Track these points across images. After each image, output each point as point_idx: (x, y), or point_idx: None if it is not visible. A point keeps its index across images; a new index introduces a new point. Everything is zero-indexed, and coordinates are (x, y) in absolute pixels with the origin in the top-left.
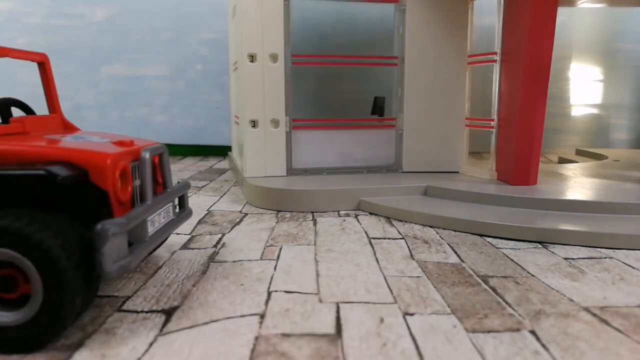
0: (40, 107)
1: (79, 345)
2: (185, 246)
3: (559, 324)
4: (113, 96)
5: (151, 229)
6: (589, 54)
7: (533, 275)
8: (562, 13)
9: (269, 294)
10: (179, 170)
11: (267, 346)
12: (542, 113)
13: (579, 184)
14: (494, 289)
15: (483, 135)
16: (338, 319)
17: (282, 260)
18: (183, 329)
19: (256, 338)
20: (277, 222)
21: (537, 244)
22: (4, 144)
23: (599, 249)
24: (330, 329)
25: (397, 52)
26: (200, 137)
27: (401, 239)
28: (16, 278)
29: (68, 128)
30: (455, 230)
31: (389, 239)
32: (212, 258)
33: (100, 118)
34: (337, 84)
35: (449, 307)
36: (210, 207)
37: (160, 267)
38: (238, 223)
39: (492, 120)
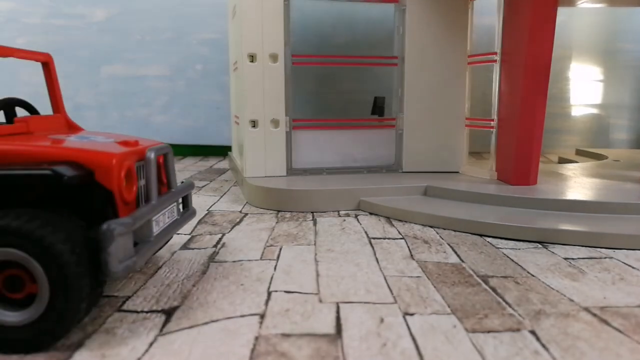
0: (42, 107)
1: (79, 345)
2: (185, 246)
3: (559, 324)
4: (113, 96)
5: (156, 229)
6: (589, 54)
7: (533, 275)
8: (562, 13)
9: (269, 294)
10: (179, 170)
11: (267, 346)
12: (542, 113)
13: (579, 184)
14: (494, 289)
15: (483, 135)
16: (338, 319)
17: (282, 260)
18: (183, 329)
19: (256, 338)
20: (277, 222)
21: (537, 244)
22: (9, 144)
23: (599, 249)
24: (330, 329)
25: (397, 52)
26: (200, 137)
27: (401, 239)
28: (22, 278)
29: (72, 128)
30: (455, 230)
31: (389, 239)
32: (212, 258)
33: (100, 118)
34: (337, 84)
35: (449, 307)
36: (210, 207)
37: (160, 267)
38: (238, 223)
39: (492, 120)
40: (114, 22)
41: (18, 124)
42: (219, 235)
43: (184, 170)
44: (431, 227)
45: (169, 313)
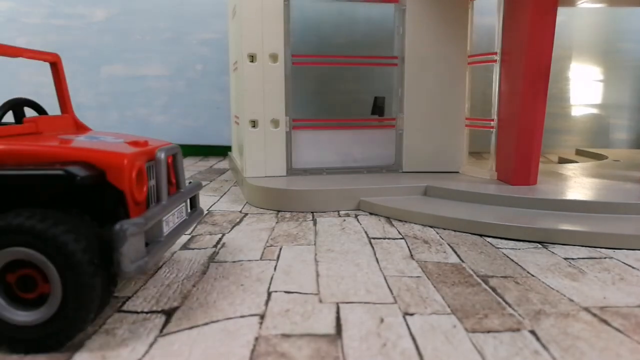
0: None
1: (79, 346)
2: (185, 246)
3: (559, 324)
4: (113, 96)
5: (166, 229)
6: (589, 54)
7: (533, 275)
8: (562, 13)
9: (269, 294)
10: None
11: (267, 347)
12: (542, 113)
13: (579, 184)
14: (494, 289)
15: (483, 135)
16: (338, 319)
17: (282, 261)
18: (183, 330)
19: (256, 339)
20: (277, 222)
21: (537, 244)
22: (21, 144)
23: (599, 249)
24: (330, 329)
25: (397, 52)
26: (200, 137)
27: (401, 239)
28: (35, 278)
29: (80, 128)
30: (455, 230)
31: (389, 239)
32: (212, 258)
33: (100, 118)
34: (337, 84)
35: (449, 307)
36: (211, 207)
37: (160, 267)
38: (238, 223)
39: (492, 120)
40: (114, 22)
41: (27, 124)
42: (219, 236)
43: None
44: (431, 227)
45: (169, 313)
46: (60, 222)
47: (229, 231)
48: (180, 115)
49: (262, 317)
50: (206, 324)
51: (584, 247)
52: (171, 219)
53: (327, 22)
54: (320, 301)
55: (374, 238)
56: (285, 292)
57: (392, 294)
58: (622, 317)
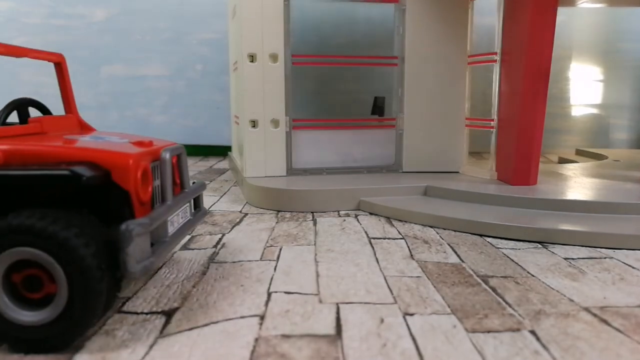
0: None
1: (78, 347)
2: (185, 246)
3: (559, 324)
4: (113, 96)
5: (171, 229)
6: (589, 54)
7: (533, 276)
8: (562, 13)
9: (269, 295)
10: None
11: (267, 347)
12: (542, 113)
13: (579, 184)
14: (494, 289)
15: (483, 135)
16: (338, 319)
17: (282, 261)
18: (183, 331)
19: (256, 339)
20: (277, 222)
21: (537, 244)
22: (27, 145)
23: (599, 249)
24: (330, 329)
25: (397, 52)
26: (200, 137)
27: (401, 239)
28: (41, 278)
29: (84, 128)
30: (455, 230)
31: (389, 239)
32: (212, 259)
33: (100, 118)
34: (337, 84)
35: (449, 307)
36: (210, 207)
37: (160, 268)
38: (238, 223)
39: (492, 120)
40: (114, 22)
41: (32, 124)
42: (219, 236)
43: None
44: (431, 227)
45: (169, 314)
46: (67, 222)
47: (229, 231)
48: (180, 115)
49: (262, 317)
50: (206, 324)
51: (584, 247)
52: (176, 219)
53: (327, 22)
54: (320, 301)
55: (374, 238)
56: (285, 292)
57: (392, 294)
58: (622, 317)
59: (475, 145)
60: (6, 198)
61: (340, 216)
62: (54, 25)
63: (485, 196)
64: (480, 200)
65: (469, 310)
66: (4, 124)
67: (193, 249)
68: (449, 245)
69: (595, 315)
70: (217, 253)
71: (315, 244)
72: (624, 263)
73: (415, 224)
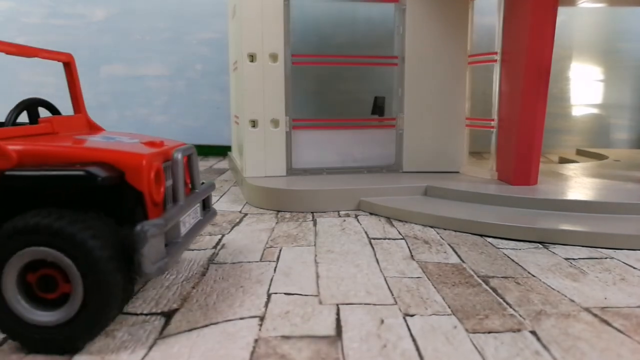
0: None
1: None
2: None
3: (560, 325)
4: (113, 96)
5: (183, 230)
6: (589, 54)
7: (534, 276)
8: (562, 13)
9: (269, 296)
10: None
11: (266, 349)
12: (543, 113)
13: (579, 184)
14: (494, 290)
15: (483, 135)
16: (338, 320)
17: (282, 262)
18: (182, 332)
19: (256, 341)
20: (277, 223)
21: (538, 244)
22: (39, 145)
23: (599, 249)
24: (330, 330)
25: (397, 52)
26: (200, 137)
27: (401, 239)
28: (56, 278)
29: (93, 128)
30: (455, 231)
31: (389, 239)
32: (211, 259)
33: (100, 118)
34: (337, 84)
35: (449, 307)
36: None
37: None
38: (238, 223)
39: (492, 120)
40: (114, 22)
41: (43, 124)
42: (219, 236)
43: None
44: (431, 227)
45: (168, 315)
46: (82, 222)
47: (229, 232)
48: (180, 115)
49: (261, 319)
50: (206, 326)
51: (584, 248)
52: (187, 220)
53: (327, 22)
54: (320, 303)
55: (374, 238)
56: (285, 293)
57: (392, 295)
58: (623, 318)
59: (475, 145)
60: (21, 198)
61: (340, 216)
62: (54, 25)
63: (485, 196)
64: (481, 200)
65: (469, 311)
66: (14, 124)
67: (193, 250)
68: (449, 245)
69: (596, 315)
70: (217, 254)
71: (315, 245)
72: (625, 263)
73: (416, 224)
